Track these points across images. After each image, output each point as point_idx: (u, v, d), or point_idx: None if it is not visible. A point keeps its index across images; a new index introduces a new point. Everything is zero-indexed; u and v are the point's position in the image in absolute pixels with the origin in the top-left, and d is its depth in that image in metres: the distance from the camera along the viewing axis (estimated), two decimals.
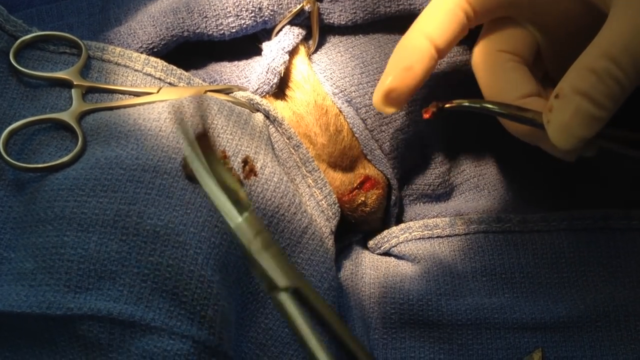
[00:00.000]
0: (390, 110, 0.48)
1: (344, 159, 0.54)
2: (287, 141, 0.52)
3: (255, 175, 0.46)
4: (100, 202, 0.42)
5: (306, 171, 0.52)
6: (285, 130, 0.52)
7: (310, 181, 0.52)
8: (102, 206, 0.42)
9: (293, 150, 0.52)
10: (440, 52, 0.48)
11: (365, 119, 0.54)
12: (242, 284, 0.46)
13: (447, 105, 0.47)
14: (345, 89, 0.54)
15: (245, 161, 0.46)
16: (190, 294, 0.41)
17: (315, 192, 0.52)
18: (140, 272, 0.41)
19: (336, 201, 0.53)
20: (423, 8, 0.55)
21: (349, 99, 0.54)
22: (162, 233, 0.42)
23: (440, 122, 0.57)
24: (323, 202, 0.52)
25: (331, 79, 0.54)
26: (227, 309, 0.43)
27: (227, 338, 0.42)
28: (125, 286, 0.41)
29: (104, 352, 0.41)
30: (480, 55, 0.50)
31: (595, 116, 0.41)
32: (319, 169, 0.52)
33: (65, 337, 0.41)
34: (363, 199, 0.54)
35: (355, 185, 0.54)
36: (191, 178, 0.44)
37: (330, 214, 0.52)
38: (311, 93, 0.54)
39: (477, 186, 0.58)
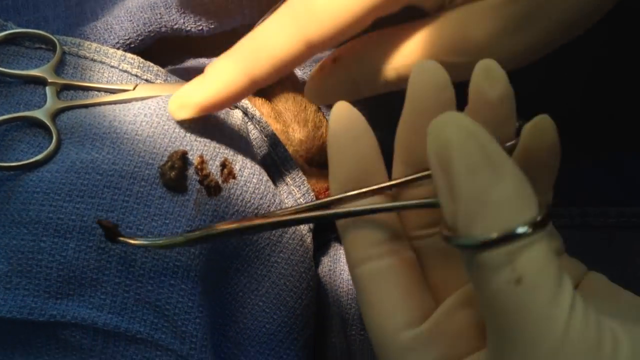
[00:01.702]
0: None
1: (322, 156, 0.54)
2: (265, 139, 0.52)
3: (234, 178, 0.46)
4: (77, 208, 0.42)
5: (284, 169, 0.52)
6: (264, 128, 0.51)
7: (288, 179, 0.52)
8: (79, 212, 0.42)
9: (271, 148, 0.52)
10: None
11: None
12: (220, 285, 0.46)
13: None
14: None
15: (224, 164, 0.46)
16: (172, 307, 0.42)
17: (293, 189, 0.52)
18: (122, 282, 0.41)
19: (314, 199, 0.53)
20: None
21: None
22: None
23: None
24: (301, 199, 0.52)
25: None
26: (207, 319, 0.43)
27: (209, 351, 0.42)
28: (107, 295, 0.41)
29: (84, 356, 0.41)
30: None
31: None
32: (296, 167, 0.52)
33: (43, 340, 0.41)
34: None
35: None
36: (168, 186, 0.44)
37: None
38: (290, 89, 0.53)
39: None
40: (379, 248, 0.36)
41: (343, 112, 0.37)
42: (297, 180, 0.52)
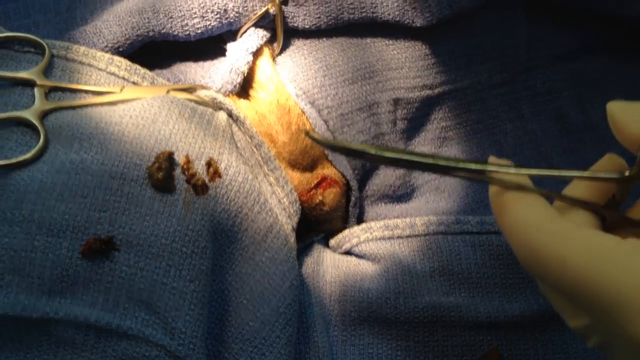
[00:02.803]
0: None
1: (305, 158, 0.55)
2: (249, 140, 0.53)
3: (220, 176, 0.47)
4: (70, 208, 0.43)
5: (268, 170, 0.53)
6: (248, 129, 0.52)
7: (272, 179, 0.53)
8: (72, 212, 0.43)
9: (255, 149, 0.53)
10: None
11: (327, 120, 0.55)
12: (215, 286, 0.47)
13: None
14: (308, 91, 0.55)
15: (209, 163, 0.47)
16: (163, 305, 0.43)
17: (277, 190, 0.53)
18: (114, 280, 0.42)
19: (297, 199, 0.53)
20: (385, 16, 0.56)
21: (311, 101, 0.55)
22: (135, 244, 0.43)
23: (401, 124, 0.58)
24: (285, 199, 0.53)
25: (295, 80, 0.55)
26: (199, 317, 0.44)
27: (199, 347, 0.43)
28: (100, 293, 0.42)
29: (76, 351, 0.42)
30: None
31: None
32: (280, 167, 0.53)
33: (35, 336, 0.42)
34: (321, 198, 0.55)
35: (312, 185, 0.55)
36: (157, 187, 0.45)
37: (292, 211, 0.53)
38: (274, 93, 0.54)
39: (437, 188, 0.59)
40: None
41: None
42: (281, 180, 0.53)
